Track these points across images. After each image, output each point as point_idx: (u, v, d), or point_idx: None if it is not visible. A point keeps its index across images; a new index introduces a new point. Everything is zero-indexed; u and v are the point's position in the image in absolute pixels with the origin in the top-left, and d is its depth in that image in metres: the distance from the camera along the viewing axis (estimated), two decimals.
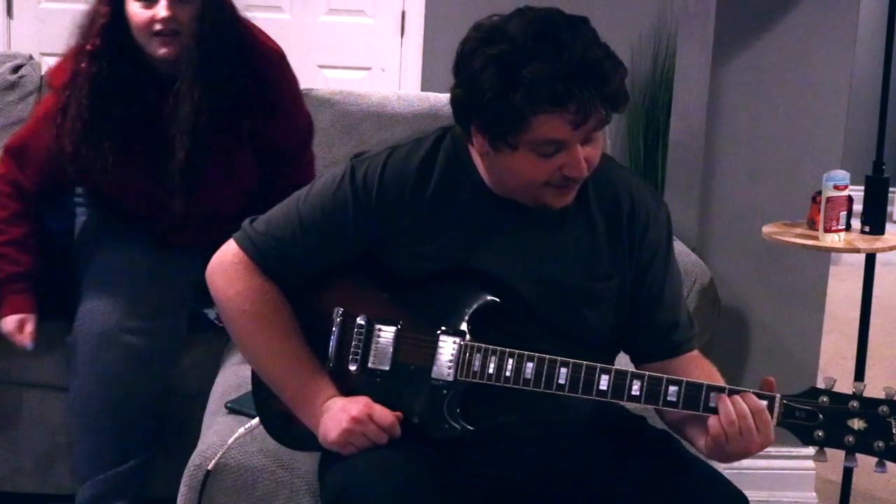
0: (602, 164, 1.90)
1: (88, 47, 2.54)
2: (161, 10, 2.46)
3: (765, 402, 1.74)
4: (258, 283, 1.91)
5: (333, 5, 4.93)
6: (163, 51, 2.50)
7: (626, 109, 1.79)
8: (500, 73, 1.70)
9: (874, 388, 1.78)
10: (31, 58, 3.41)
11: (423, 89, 4.77)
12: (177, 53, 2.50)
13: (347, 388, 1.89)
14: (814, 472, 3.09)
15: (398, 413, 1.84)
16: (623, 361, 1.97)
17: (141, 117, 2.57)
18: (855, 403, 1.73)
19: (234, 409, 2.20)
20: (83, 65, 2.54)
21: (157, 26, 2.48)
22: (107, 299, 2.57)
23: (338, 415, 1.83)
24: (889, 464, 1.73)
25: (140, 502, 2.62)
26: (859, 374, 2.93)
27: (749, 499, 1.85)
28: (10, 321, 2.63)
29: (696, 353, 1.96)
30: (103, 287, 2.60)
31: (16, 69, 3.30)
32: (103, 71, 2.53)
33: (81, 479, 2.61)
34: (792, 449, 2.92)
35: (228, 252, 1.94)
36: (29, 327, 2.63)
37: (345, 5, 4.94)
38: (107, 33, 2.53)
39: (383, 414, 1.83)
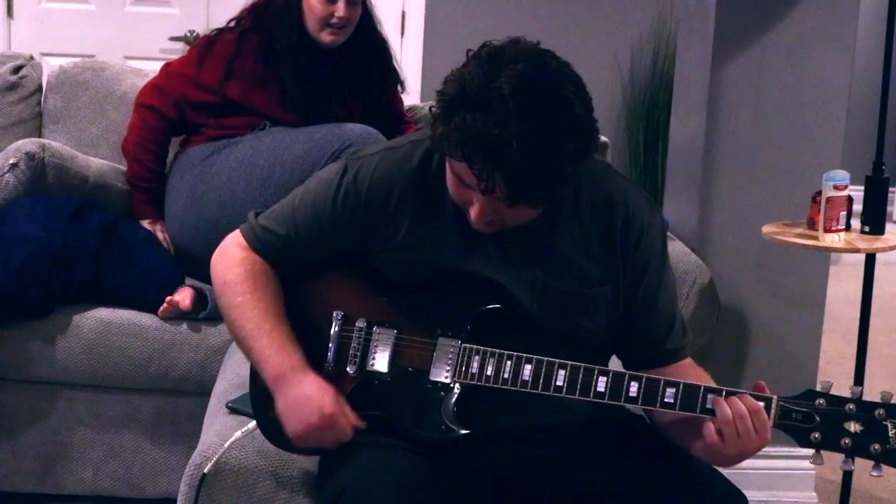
0: (597, 170, 1.91)
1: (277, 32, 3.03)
2: (341, 9, 2.98)
3: (762, 403, 1.74)
4: (245, 255, 1.96)
5: None
6: (331, 39, 3.01)
7: (544, 205, 1.78)
8: (455, 100, 1.70)
9: (874, 387, 1.78)
10: (31, 58, 3.42)
11: (423, 89, 4.76)
12: (339, 42, 3.03)
13: (346, 389, 1.89)
14: (814, 471, 3.09)
15: (360, 424, 1.85)
16: (614, 364, 1.97)
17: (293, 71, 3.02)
18: (851, 406, 1.72)
19: (235, 409, 2.20)
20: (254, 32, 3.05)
21: (334, 20, 2.99)
22: None
23: (306, 405, 1.84)
24: (891, 467, 1.73)
25: None
26: (859, 375, 2.93)
27: (749, 499, 1.85)
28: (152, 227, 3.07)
29: (689, 361, 1.97)
30: None
31: (16, 70, 3.31)
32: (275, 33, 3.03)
33: None
34: (792, 449, 2.90)
35: (231, 239, 2.00)
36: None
37: None
38: (288, 22, 3.01)
39: (344, 428, 1.84)
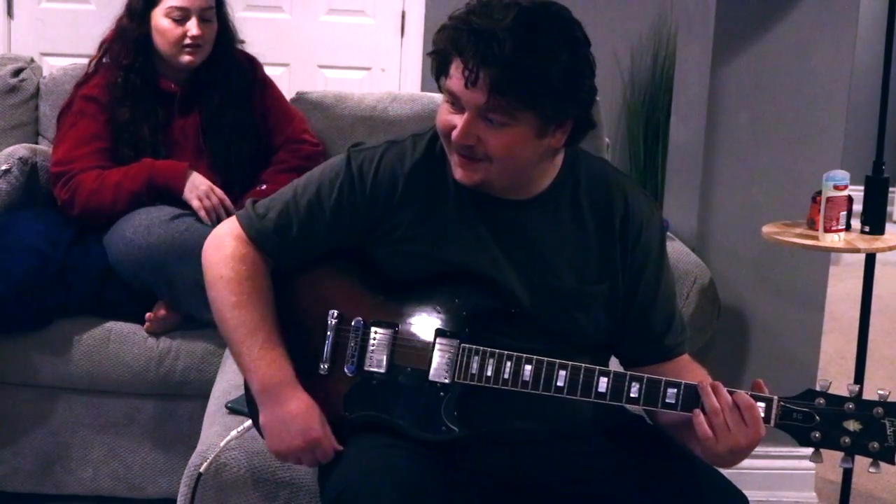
0: (596, 166, 1.91)
1: (125, 62, 2.92)
2: (193, 28, 2.86)
3: (762, 404, 1.74)
4: (244, 251, 1.93)
5: (333, 5, 4.93)
6: (188, 59, 2.90)
7: (522, 108, 1.73)
8: (459, 13, 1.75)
9: (874, 387, 1.78)
10: (32, 61, 3.41)
11: (423, 89, 4.77)
12: (197, 62, 2.91)
13: (343, 390, 1.89)
14: (814, 472, 3.09)
15: (339, 448, 1.86)
16: (613, 364, 1.97)
17: (147, 125, 2.92)
18: (851, 405, 1.73)
19: (235, 409, 2.20)
20: (119, 79, 2.91)
21: (187, 40, 2.87)
22: None
23: (292, 425, 1.84)
24: (889, 464, 1.74)
25: None
26: (859, 374, 2.93)
27: (749, 499, 1.86)
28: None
29: (686, 357, 1.97)
30: None
31: (16, 72, 3.30)
32: (129, 82, 2.91)
33: None
34: (792, 449, 2.91)
35: (227, 228, 1.97)
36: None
37: (345, 5, 4.94)
38: (139, 47, 2.91)
39: (326, 451, 1.85)
